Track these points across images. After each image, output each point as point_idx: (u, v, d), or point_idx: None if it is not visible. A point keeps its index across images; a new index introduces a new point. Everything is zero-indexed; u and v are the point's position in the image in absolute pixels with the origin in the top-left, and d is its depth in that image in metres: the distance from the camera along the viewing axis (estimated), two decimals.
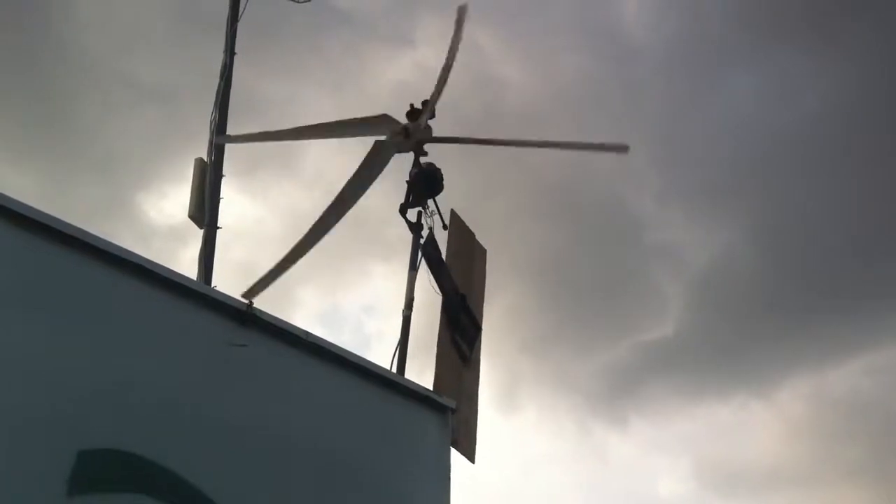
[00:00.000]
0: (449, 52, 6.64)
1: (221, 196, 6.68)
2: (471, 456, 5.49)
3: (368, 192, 6.24)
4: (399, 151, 6.28)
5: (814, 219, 17.46)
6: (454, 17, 6.73)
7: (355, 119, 6.48)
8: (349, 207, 6.16)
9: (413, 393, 4.94)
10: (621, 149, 6.33)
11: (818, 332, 17.84)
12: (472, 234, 6.61)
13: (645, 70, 16.51)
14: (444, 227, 6.28)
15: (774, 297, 17.17)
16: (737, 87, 18.60)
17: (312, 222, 6.14)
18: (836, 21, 17.44)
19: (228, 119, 7.04)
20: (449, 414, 5.01)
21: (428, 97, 6.54)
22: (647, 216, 17.43)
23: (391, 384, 4.87)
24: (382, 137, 6.30)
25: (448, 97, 6.61)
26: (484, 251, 6.67)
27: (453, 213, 6.45)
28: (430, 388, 5.26)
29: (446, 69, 6.61)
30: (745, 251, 17.65)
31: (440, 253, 6.17)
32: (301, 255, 6.04)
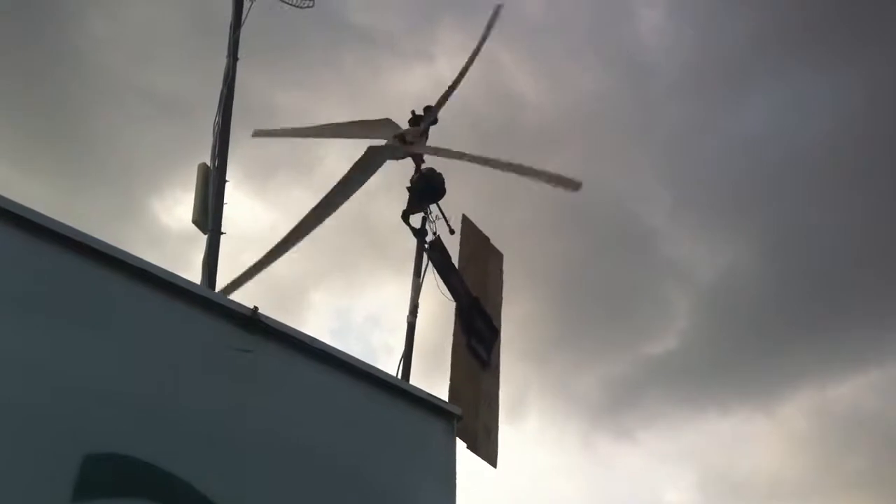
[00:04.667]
0: (472, 55, 6.64)
1: (226, 201, 6.58)
2: (493, 461, 5.43)
3: (380, 204, 6.22)
4: (393, 158, 6.26)
5: (819, 238, 17.45)
6: (474, 30, 6.73)
7: (360, 121, 6.51)
8: (334, 210, 6.16)
9: (418, 399, 4.91)
10: (575, 185, 6.09)
11: (821, 348, 17.85)
12: (486, 238, 6.53)
13: (660, 89, 16.51)
14: (451, 231, 6.21)
15: (778, 314, 17.17)
16: (750, 107, 18.63)
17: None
18: (850, 44, 17.42)
19: (241, 127, 7.04)
20: (454, 420, 4.98)
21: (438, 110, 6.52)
22: (658, 232, 17.45)
23: (396, 390, 4.85)
24: (383, 141, 6.29)
25: (466, 111, 6.62)
26: (500, 255, 6.59)
27: (465, 218, 6.38)
28: (446, 396, 5.22)
29: (461, 73, 6.62)
30: (752, 268, 17.69)
31: (449, 257, 6.09)
32: (281, 254, 6.05)
